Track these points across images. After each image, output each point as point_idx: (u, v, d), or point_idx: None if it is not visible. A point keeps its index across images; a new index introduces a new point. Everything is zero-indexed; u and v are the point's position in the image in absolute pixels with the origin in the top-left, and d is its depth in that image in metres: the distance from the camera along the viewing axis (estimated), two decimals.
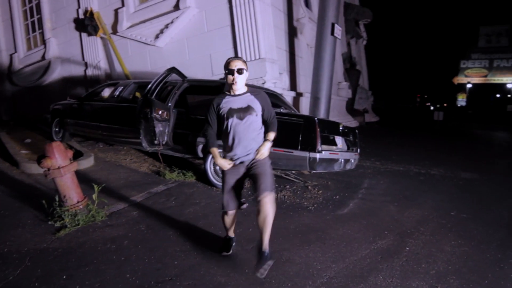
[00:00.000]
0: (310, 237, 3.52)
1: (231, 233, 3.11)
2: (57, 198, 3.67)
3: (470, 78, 44.86)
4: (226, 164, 2.72)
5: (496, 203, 4.96)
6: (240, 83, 2.69)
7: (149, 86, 5.34)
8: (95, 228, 3.57)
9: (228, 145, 2.74)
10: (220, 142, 2.79)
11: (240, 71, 2.65)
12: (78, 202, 3.69)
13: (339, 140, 4.92)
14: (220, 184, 4.88)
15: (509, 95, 46.28)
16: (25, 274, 2.69)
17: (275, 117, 2.85)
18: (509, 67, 42.51)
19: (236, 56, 2.79)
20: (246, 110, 2.68)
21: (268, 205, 2.56)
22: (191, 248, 3.18)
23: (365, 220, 4.06)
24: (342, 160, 4.80)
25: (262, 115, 2.78)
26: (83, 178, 5.33)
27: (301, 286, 2.61)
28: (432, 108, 56.50)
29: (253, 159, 2.73)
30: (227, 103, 2.71)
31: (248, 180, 2.85)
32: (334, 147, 4.76)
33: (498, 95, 51.86)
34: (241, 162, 2.75)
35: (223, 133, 2.76)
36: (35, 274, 2.69)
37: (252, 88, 2.83)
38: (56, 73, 12.07)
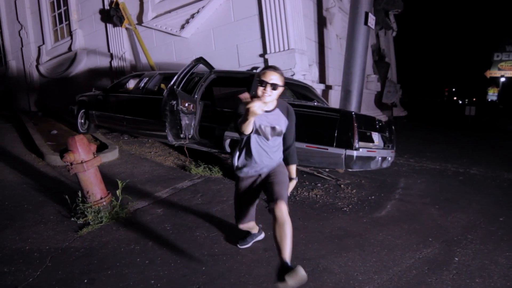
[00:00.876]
0: (347, 242, 3.24)
1: (254, 231, 3.05)
2: (80, 194, 3.52)
3: (504, 71, 42.78)
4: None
5: None
6: (271, 99, 2.33)
7: (176, 77, 5.13)
8: (119, 226, 3.40)
9: (245, 159, 2.53)
10: None
11: (275, 87, 2.29)
12: (101, 198, 3.53)
13: (376, 136, 4.58)
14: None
15: None
16: (45, 276, 2.53)
17: (294, 146, 2.62)
18: None
19: (274, 67, 2.34)
20: (273, 131, 2.42)
21: (285, 212, 2.20)
22: (219, 252, 2.96)
23: (406, 225, 3.73)
24: (379, 158, 4.46)
25: (284, 135, 2.52)
26: (107, 172, 5.21)
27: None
28: (460, 102, 54.57)
29: (268, 173, 2.53)
30: (259, 118, 2.34)
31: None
32: (371, 144, 4.42)
33: None
34: (253, 175, 2.58)
35: (243, 145, 2.52)
36: (56, 276, 2.52)
37: (282, 103, 2.49)
38: (82, 65, 12.09)
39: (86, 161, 3.41)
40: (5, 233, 3.20)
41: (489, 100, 48.80)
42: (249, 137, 2.45)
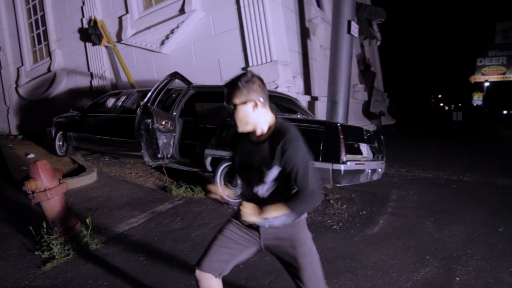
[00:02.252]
0: (338, 266, 2.97)
1: None
2: (44, 225, 3.20)
3: (488, 76, 43.52)
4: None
5: None
6: (241, 122, 1.61)
7: (149, 94, 4.86)
8: (88, 258, 3.08)
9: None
10: None
11: (235, 107, 1.58)
12: (68, 229, 3.22)
13: (364, 147, 4.35)
14: (232, 200, 4.35)
15: None
16: None
17: (308, 192, 1.53)
18: None
19: (229, 82, 1.60)
20: (254, 174, 1.64)
21: None
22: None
23: (401, 242, 3.48)
24: (369, 171, 4.23)
25: (287, 174, 1.57)
26: (82, 196, 4.90)
27: None
28: (446, 108, 55.22)
29: (283, 234, 1.68)
30: (239, 151, 1.74)
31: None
32: (360, 156, 4.19)
33: None
34: (255, 226, 1.70)
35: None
36: None
37: (281, 128, 1.60)
38: (62, 85, 11.77)
39: (50, 189, 3.10)
40: None
41: (475, 105, 49.52)
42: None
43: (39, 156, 7.87)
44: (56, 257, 3.03)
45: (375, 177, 4.51)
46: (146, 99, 4.80)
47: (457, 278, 2.78)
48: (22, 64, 13.25)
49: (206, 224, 3.90)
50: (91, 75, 10.73)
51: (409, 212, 4.38)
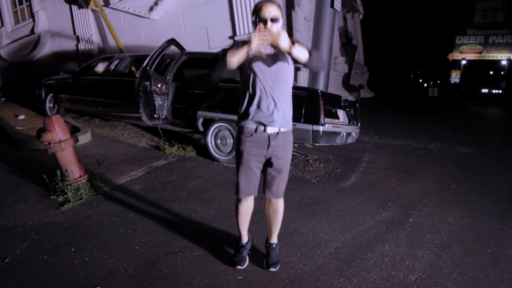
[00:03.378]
0: (315, 209, 3.54)
1: (245, 235, 2.50)
2: (58, 173, 3.61)
3: (465, 54, 44.62)
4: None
5: (494, 176, 5.03)
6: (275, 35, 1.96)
7: (148, 58, 5.20)
8: (99, 202, 3.54)
9: (248, 105, 2.15)
10: None
11: (274, 20, 2.01)
12: (80, 176, 3.63)
13: (341, 113, 4.88)
14: (222, 157, 4.90)
15: (502, 72, 46.36)
16: (32, 247, 2.66)
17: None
18: (504, 43, 42.27)
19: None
20: (275, 56, 2.09)
21: (281, 205, 2.39)
22: (198, 219, 3.18)
23: (368, 193, 4.08)
24: (344, 134, 4.78)
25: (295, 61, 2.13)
26: (81, 154, 5.20)
27: (309, 256, 2.63)
28: (425, 85, 56.48)
29: (281, 139, 2.20)
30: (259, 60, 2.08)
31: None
32: (337, 120, 4.72)
33: (491, 72, 51.97)
34: (264, 130, 2.15)
35: (242, 89, 2.19)
36: (43, 247, 2.66)
37: None
38: (47, 48, 11.73)
39: (64, 140, 3.50)
40: None
41: (452, 82, 50.82)
42: (248, 73, 2.11)
43: (29, 117, 8.05)
44: (71, 200, 3.46)
45: (349, 140, 5.07)
46: (145, 63, 5.14)
47: (411, 219, 3.40)
48: (3, 25, 13.02)
49: (200, 177, 4.38)
50: (77, 38, 10.76)
51: (377, 171, 5.00)
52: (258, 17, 2.02)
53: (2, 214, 3.22)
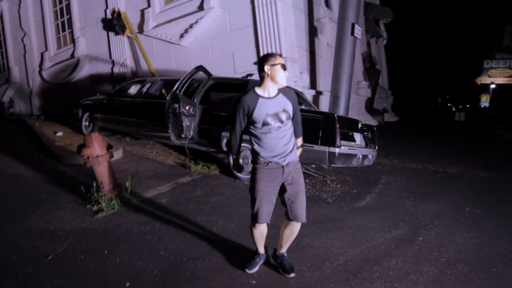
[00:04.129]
0: (328, 225, 3.74)
1: (261, 248, 2.78)
2: (94, 184, 4.00)
3: (494, 78, 43.75)
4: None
5: (511, 200, 5.05)
6: (282, 78, 2.47)
7: (178, 83, 5.65)
8: (129, 212, 3.89)
9: (262, 149, 2.50)
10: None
11: (285, 67, 2.47)
12: (113, 188, 4.02)
13: (357, 136, 5.11)
14: (243, 176, 5.19)
15: None
16: (71, 248, 3.01)
17: (300, 117, 2.71)
18: None
19: (272, 53, 2.53)
20: (282, 115, 2.46)
21: (297, 230, 2.65)
22: (218, 231, 3.46)
23: (382, 213, 4.25)
24: (360, 156, 4.99)
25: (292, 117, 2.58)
26: (114, 169, 5.65)
27: (319, 267, 2.84)
28: (454, 109, 55.44)
29: (289, 165, 2.53)
30: (262, 107, 2.43)
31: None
32: (353, 143, 4.95)
33: None
34: (277, 163, 2.50)
35: (255, 137, 2.52)
36: (80, 248, 3.01)
37: (282, 88, 2.55)
38: (85, 71, 12.58)
39: (101, 156, 3.90)
40: (30, 217, 3.67)
41: (482, 106, 49.65)
42: (261, 130, 2.47)
43: (67, 134, 8.65)
44: (105, 209, 3.83)
45: (366, 163, 5.27)
46: (175, 87, 5.58)
47: (420, 238, 3.55)
48: (46, 49, 14.06)
49: (222, 193, 4.68)
50: (113, 62, 11.52)
51: (393, 193, 5.14)
52: (274, 64, 2.44)
53: (45, 219, 3.62)
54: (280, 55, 2.52)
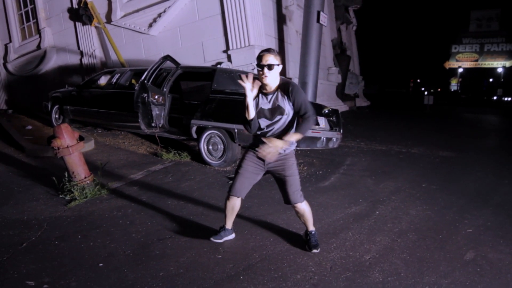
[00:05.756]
0: None
1: (229, 224, 2.99)
2: (66, 175, 4.09)
3: (461, 62, 45.42)
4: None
5: (465, 176, 5.41)
6: (270, 80, 2.57)
7: (146, 73, 5.72)
8: (102, 200, 4.01)
9: (256, 140, 2.74)
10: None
11: (270, 67, 2.52)
12: (85, 177, 4.11)
13: (321, 120, 5.36)
14: (213, 161, 5.37)
15: (501, 80, 46.92)
16: (45, 235, 3.13)
17: (309, 115, 2.60)
18: (499, 51, 43.09)
19: (268, 50, 2.59)
20: (275, 111, 2.62)
21: (302, 208, 2.83)
22: (187, 214, 3.64)
23: (343, 191, 4.53)
24: (324, 139, 5.24)
25: (295, 110, 2.63)
26: (86, 160, 5.69)
27: (280, 241, 3.08)
28: (426, 93, 57.07)
29: (279, 161, 2.71)
30: (259, 101, 2.66)
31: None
32: (317, 126, 5.20)
33: (491, 80, 52.51)
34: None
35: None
36: (54, 235, 3.13)
37: (284, 82, 2.66)
38: (52, 62, 12.32)
39: (72, 146, 3.98)
40: (3, 209, 3.74)
41: (452, 90, 51.33)
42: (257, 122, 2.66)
43: (36, 127, 8.57)
44: (77, 198, 3.94)
45: (330, 145, 5.54)
46: (143, 77, 5.65)
47: (377, 212, 3.84)
48: (10, 41, 13.63)
49: (192, 179, 4.86)
50: (81, 53, 11.35)
51: (356, 173, 5.44)
52: (258, 64, 2.57)
53: (17, 210, 3.70)
54: (272, 52, 2.58)
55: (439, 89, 58.75)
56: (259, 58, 2.56)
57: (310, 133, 4.92)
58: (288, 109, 2.61)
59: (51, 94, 8.42)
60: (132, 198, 4.09)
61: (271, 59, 2.52)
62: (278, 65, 2.57)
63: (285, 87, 2.62)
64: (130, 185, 4.56)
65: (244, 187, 2.80)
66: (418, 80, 67.71)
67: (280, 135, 2.63)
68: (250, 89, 2.54)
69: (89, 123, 7.87)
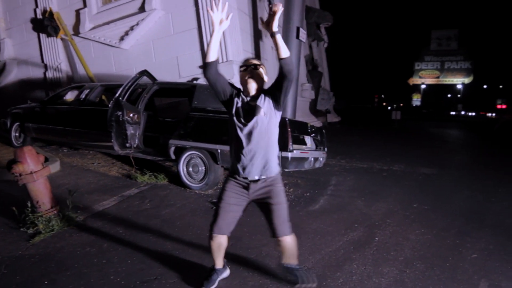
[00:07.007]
0: None
1: (219, 263, 2.59)
2: (29, 204, 3.58)
3: (424, 79, 47.49)
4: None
5: (453, 195, 5.35)
6: (253, 82, 2.31)
7: (121, 89, 5.29)
8: (71, 233, 3.53)
9: (233, 157, 2.38)
10: None
11: (256, 67, 2.30)
12: (52, 207, 3.63)
13: (308, 139, 5.12)
14: (194, 185, 4.98)
15: (459, 95, 49.33)
16: (2, 282, 2.64)
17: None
18: (458, 69, 45.46)
19: (254, 58, 2.43)
20: (251, 110, 2.28)
21: (289, 243, 2.46)
22: (172, 248, 3.24)
23: (336, 215, 4.28)
24: (312, 159, 5.00)
25: (275, 97, 2.30)
26: (51, 184, 5.16)
27: (282, 278, 2.75)
28: (389, 108, 58.95)
29: (265, 187, 2.37)
30: (237, 101, 2.34)
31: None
32: (304, 146, 4.95)
33: (449, 95, 55.09)
34: (246, 182, 2.36)
35: (230, 140, 2.42)
36: (14, 281, 2.65)
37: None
38: (12, 76, 11.51)
39: (36, 172, 3.50)
40: None
41: (414, 105, 53.35)
42: (233, 127, 2.33)
43: None
44: (42, 232, 3.44)
45: (317, 165, 5.31)
46: (117, 94, 5.21)
47: (376, 238, 3.60)
48: None
49: (173, 204, 4.45)
50: (45, 66, 10.66)
51: (344, 194, 5.23)
52: (242, 65, 2.34)
53: None
54: (253, 57, 2.43)
55: (401, 104, 60.86)
56: (244, 62, 2.38)
57: (298, 154, 4.66)
58: (266, 108, 2.28)
59: (11, 110, 7.74)
60: (107, 229, 3.64)
61: (255, 61, 2.35)
62: (262, 66, 2.36)
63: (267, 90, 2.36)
64: (104, 214, 4.10)
65: (228, 222, 2.41)
66: (383, 96, 70.03)
67: (258, 143, 2.29)
68: (218, 21, 2.15)
69: (53, 142, 7.26)
